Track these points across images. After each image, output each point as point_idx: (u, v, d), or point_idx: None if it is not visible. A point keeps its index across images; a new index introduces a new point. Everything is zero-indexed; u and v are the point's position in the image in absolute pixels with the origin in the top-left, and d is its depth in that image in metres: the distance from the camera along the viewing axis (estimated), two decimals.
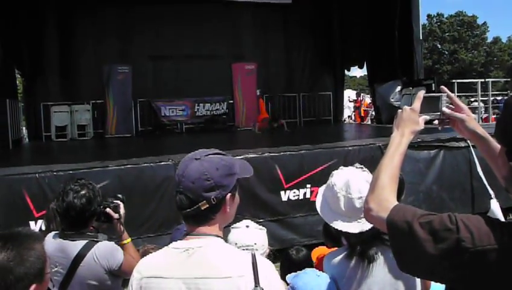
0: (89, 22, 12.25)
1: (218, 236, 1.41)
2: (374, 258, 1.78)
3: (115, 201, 2.47)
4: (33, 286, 1.31)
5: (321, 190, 1.98)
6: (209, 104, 13.41)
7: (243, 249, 2.00)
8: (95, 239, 2.29)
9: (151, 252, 2.08)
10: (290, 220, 5.75)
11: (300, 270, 2.03)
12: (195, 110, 13.33)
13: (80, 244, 2.25)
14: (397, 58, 10.90)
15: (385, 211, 1.24)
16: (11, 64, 10.85)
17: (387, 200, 1.28)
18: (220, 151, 1.47)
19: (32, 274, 1.31)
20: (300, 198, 5.79)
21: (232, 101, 13.64)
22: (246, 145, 8.15)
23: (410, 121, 1.41)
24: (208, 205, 1.36)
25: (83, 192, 2.29)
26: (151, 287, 1.37)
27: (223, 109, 13.56)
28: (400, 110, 1.47)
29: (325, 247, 3.04)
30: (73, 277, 2.22)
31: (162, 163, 5.46)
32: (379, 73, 11.88)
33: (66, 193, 2.27)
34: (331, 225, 1.86)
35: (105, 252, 2.26)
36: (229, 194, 1.40)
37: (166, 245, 1.47)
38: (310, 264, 2.77)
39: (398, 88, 11.10)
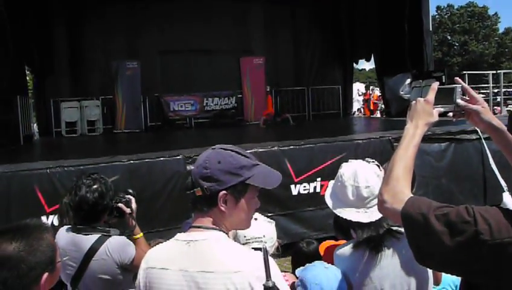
0: (97, 17, 12.29)
1: (220, 230, 1.40)
2: (383, 250, 1.78)
3: (126, 196, 2.48)
4: (45, 275, 1.33)
5: (331, 182, 2.00)
6: (217, 99, 13.41)
7: (252, 242, 2.02)
8: (108, 233, 2.31)
9: None
10: (300, 213, 5.75)
11: (311, 262, 2.02)
12: (204, 104, 13.34)
13: (92, 238, 2.26)
14: (406, 51, 10.79)
15: (400, 203, 1.23)
16: (21, 62, 10.95)
17: (402, 192, 1.27)
18: (242, 151, 1.45)
19: (44, 263, 1.33)
20: (310, 192, 5.78)
21: (240, 96, 13.62)
22: (255, 139, 8.14)
23: (425, 113, 1.40)
24: (201, 193, 1.37)
25: (95, 186, 2.30)
26: (153, 277, 1.39)
27: (231, 103, 13.55)
28: (413, 102, 1.45)
29: (333, 240, 3.03)
30: (85, 271, 2.24)
31: (172, 158, 5.48)
32: (388, 66, 11.77)
33: (78, 187, 2.28)
34: (338, 214, 1.86)
35: (117, 246, 2.27)
36: (224, 191, 1.37)
37: None
38: (320, 257, 2.77)
39: (408, 81, 11.00)
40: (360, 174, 1.84)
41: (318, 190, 5.79)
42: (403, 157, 1.34)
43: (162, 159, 5.47)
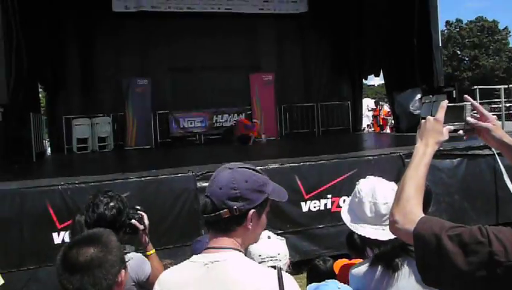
0: (108, 36, 12.49)
1: (239, 250, 1.40)
2: (399, 268, 1.73)
3: (138, 212, 2.49)
4: (123, 271, 1.46)
5: (347, 199, 1.96)
6: (227, 115, 13.48)
7: (267, 261, 2.01)
8: (124, 251, 2.31)
9: (168, 267, 2.09)
10: (311, 231, 5.70)
11: (326, 280, 2.00)
12: (214, 121, 13.41)
13: None
14: (416, 66, 10.78)
15: (411, 223, 1.22)
16: (34, 79, 11.15)
17: (413, 212, 1.26)
18: (256, 169, 1.48)
19: (120, 260, 1.46)
20: (321, 209, 5.74)
21: (250, 112, 13.68)
22: (265, 156, 8.14)
23: (434, 131, 1.39)
24: (229, 215, 1.36)
25: (112, 203, 2.32)
26: None
27: None
28: (423, 121, 1.45)
29: (346, 259, 2.99)
30: None
31: (182, 175, 5.49)
32: (397, 81, 11.75)
33: (96, 205, 2.30)
34: (355, 231, 1.84)
35: (135, 263, 2.27)
36: (253, 210, 1.39)
37: (186, 256, 1.48)
38: (335, 275, 2.73)
39: (418, 96, 10.96)
40: (378, 190, 1.82)
41: (329, 206, 5.75)
42: (414, 176, 1.33)
43: (172, 176, 5.49)
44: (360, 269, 1.84)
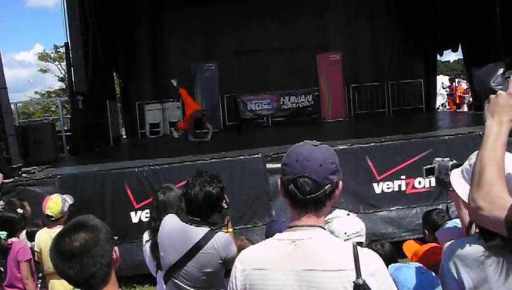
0: (175, 22, 12.80)
1: (323, 228, 1.38)
2: None
3: None
4: (116, 248, 1.48)
5: (456, 173, 1.64)
6: (294, 97, 13.34)
7: (352, 237, 2.01)
8: (215, 228, 2.40)
9: (247, 245, 2.09)
10: (385, 213, 5.52)
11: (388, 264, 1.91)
12: (281, 103, 13.34)
13: (202, 231, 2.35)
14: (499, 38, 9.93)
15: (501, 209, 1.12)
16: (109, 68, 11.78)
17: (501, 197, 1.15)
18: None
19: (110, 238, 1.48)
20: (395, 190, 5.53)
21: (317, 93, 13.46)
22: (334, 136, 7.98)
23: (508, 108, 1.26)
24: (331, 189, 1.36)
25: (216, 183, 2.42)
26: (255, 279, 1.36)
27: (308, 101, 13.41)
28: (493, 96, 1.31)
29: (413, 241, 2.86)
30: (189, 261, 2.32)
31: (251, 156, 5.53)
32: (477, 55, 10.93)
33: (202, 184, 2.39)
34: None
35: (224, 242, 2.35)
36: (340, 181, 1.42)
37: (258, 236, 1.46)
38: (394, 260, 2.63)
39: (501, 70, 10.11)
40: (508, 161, 1.48)
41: (403, 188, 5.53)
42: (493, 158, 1.22)
43: (241, 157, 5.54)
44: (469, 250, 1.45)
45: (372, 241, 3.15)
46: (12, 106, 8.95)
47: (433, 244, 2.67)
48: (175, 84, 10.39)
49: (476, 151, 1.64)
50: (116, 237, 1.52)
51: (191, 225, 2.37)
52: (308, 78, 13.27)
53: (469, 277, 1.45)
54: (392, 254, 2.77)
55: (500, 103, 1.28)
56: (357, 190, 5.45)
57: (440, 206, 4.05)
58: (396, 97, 13.55)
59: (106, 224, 1.49)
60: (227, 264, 2.36)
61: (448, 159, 1.87)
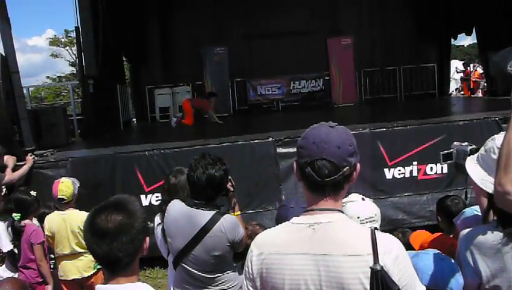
0: (184, 6, 12.67)
1: (342, 211, 1.36)
2: None
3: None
4: (147, 239, 1.50)
5: (471, 159, 1.64)
6: (304, 81, 13.23)
7: (366, 222, 2.00)
8: (221, 211, 2.39)
9: (260, 231, 2.08)
10: (397, 199, 5.47)
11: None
12: (291, 87, 13.24)
13: (208, 214, 2.34)
14: None
15: None
16: (119, 52, 11.75)
17: None
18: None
19: (145, 227, 1.50)
20: (406, 176, 5.48)
21: (328, 78, 13.31)
22: (345, 121, 7.89)
23: None
24: (349, 171, 1.33)
25: (218, 166, 2.41)
26: (273, 263, 1.34)
27: (319, 85, 13.30)
28: None
29: (423, 231, 2.81)
30: (197, 245, 2.32)
31: (261, 140, 5.50)
32: (493, 38, 10.67)
33: (205, 166, 2.38)
34: (487, 190, 1.53)
35: (231, 224, 2.35)
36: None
37: (269, 222, 1.44)
38: (412, 247, 2.59)
39: None
40: None
41: (415, 174, 5.47)
42: None
43: (251, 142, 5.52)
44: (486, 239, 1.48)
45: (393, 229, 3.13)
46: (24, 90, 9.03)
47: (439, 234, 2.64)
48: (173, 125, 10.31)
49: (492, 137, 1.61)
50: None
51: (197, 208, 2.36)
52: (318, 63, 13.11)
53: (486, 266, 1.44)
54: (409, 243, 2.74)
55: None
56: (368, 175, 5.40)
57: (452, 193, 3.98)
58: (409, 82, 13.34)
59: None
60: (235, 247, 2.37)
61: (466, 143, 1.83)
